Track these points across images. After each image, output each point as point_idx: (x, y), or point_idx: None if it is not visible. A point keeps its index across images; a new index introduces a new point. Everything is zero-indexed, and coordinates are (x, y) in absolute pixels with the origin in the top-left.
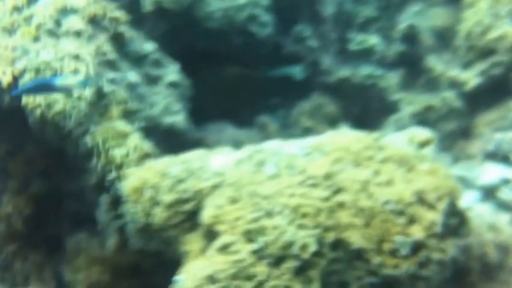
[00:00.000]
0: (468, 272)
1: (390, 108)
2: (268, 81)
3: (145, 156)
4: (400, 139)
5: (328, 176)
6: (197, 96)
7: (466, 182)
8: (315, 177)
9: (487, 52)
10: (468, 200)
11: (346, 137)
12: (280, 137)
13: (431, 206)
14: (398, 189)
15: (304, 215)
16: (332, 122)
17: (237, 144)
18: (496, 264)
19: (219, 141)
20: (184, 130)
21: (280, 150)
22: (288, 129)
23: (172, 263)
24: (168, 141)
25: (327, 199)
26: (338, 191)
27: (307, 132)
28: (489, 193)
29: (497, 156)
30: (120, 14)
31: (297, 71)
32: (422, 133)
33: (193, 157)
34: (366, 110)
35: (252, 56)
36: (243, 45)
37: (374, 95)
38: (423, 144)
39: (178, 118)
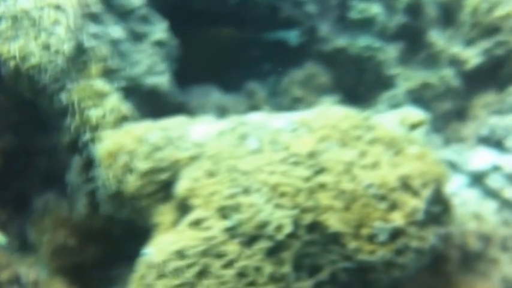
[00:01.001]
0: (446, 261)
1: (385, 82)
2: (261, 45)
3: (122, 119)
4: (392, 119)
5: (311, 155)
6: (184, 57)
7: (454, 166)
8: (298, 155)
9: (491, 30)
10: (455, 185)
11: (335, 114)
12: (269, 106)
13: (415, 193)
14: (383, 173)
15: (282, 194)
16: (324, 93)
17: (222, 111)
18: (477, 254)
19: (203, 106)
20: (167, 92)
21: (265, 123)
22: (277, 98)
23: (143, 232)
24: (149, 102)
25: (308, 179)
26: (320, 171)
27: (296, 102)
28: (477, 179)
29: (490, 141)
30: None
31: (292, 36)
32: (415, 114)
33: (174, 124)
34: (360, 83)
35: (247, 18)
36: (238, 5)
37: (370, 67)
38: (415, 126)
39: (161, 79)
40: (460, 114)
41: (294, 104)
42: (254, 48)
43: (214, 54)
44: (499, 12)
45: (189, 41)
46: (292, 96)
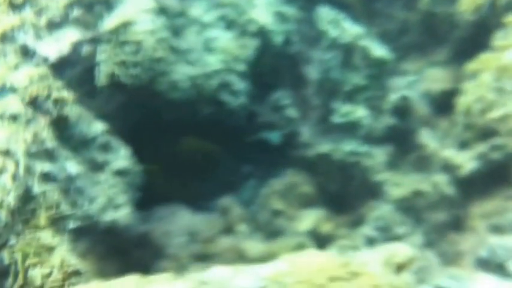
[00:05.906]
0: None
1: (373, 190)
2: (240, 148)
3: (72, 274)
4: (376, 258)
5: None
6: (150, 175)
7: None
8: None
9: (487, 133)
10: None
11: (311, 264)
12: (245, 224)
13: None
14: None
15: None
16: (306, 205)
17: (192, 237)
18: None
19: (168, 234)
20: (127, 226)
21: (229, 282)
22: (255, 213)
23: None
24: (108, 240)
25: None
26: None
27: (276, 215)
28: None
29: (490, 264)
30: (67, 94)
31: (274, 136)
32: (403, 252)
33: (126, 287)
34: (346, 191)
35: (223, 126)
36: (213, 115)
37: (356, 174)
38: (402, 267)
39: (121, 213)
40: (457, 225)
41: (274, 219)
42: (230, 156)
43: (184, 169)
44: (495, 113)
45: (156, 156)
46: (272, 208)
